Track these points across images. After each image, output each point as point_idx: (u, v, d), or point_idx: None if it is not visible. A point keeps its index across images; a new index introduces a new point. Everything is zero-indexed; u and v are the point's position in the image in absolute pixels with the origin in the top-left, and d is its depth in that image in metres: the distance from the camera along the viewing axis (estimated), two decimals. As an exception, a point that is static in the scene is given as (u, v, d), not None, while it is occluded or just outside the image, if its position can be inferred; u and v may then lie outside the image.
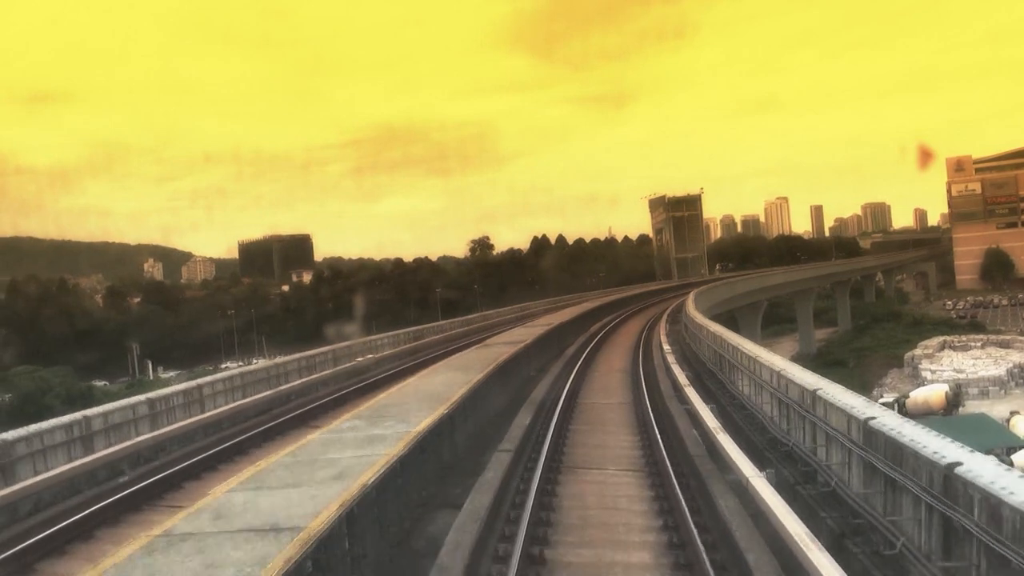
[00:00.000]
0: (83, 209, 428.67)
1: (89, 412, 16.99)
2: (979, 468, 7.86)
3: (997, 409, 56.78)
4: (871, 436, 10.17)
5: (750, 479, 11.64)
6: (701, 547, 9.52)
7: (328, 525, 8.43)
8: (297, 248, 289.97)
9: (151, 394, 19.74)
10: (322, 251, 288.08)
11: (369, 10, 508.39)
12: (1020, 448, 40.07)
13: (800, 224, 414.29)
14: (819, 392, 13.08)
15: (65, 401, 76.11)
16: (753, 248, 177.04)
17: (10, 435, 14.41)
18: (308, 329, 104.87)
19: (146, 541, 8.31)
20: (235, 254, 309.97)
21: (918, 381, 69.90)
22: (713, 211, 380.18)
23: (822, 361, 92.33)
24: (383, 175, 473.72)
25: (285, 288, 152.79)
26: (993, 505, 7.27)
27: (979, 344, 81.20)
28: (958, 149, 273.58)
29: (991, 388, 67.59)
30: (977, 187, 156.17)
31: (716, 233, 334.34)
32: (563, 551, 10.37)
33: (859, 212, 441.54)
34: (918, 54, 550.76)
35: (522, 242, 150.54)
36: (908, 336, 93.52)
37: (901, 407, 57.50)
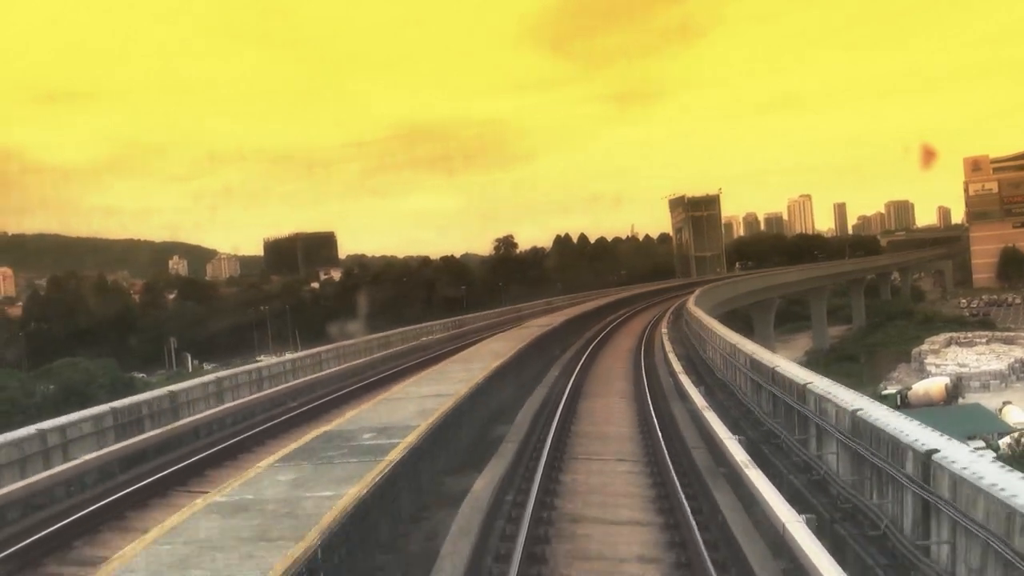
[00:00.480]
0: (107, 207, 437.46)
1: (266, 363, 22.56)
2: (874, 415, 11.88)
3: (996, 401, 60.72)
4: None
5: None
6: None
7: (467, 392, 17.16)
8: (321, 246, 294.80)
9: (296, 354, 29.52)
10: (345, 248, 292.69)
11: (391, 7, 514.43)
12: (1008, 434, 44.59)
13: (823, 222, 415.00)
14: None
15: (109, 391, 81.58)
16: (772, 246, 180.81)
17: (175, 387, 21.63)
18: (340, 322, 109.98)
19: (374, 402, 16.85)
20: (258, 251, 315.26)
21: (923, 375, 74.04)
22: (736, 209, 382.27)
23: (834, 356, 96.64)
24: (404, 173, 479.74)
25: (315, 284, 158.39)
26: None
27: (984, 340, 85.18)
28: (982, 147, 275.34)
29: (992, 381, 71.69)
30: (994, 187, 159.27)
31: (739, 231, 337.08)
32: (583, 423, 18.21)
33: (882, 210, 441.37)
34: (943, 50, 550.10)
35: (545, 239, 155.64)
36: (919, 333, 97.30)
37: (903, 399, 62.14)
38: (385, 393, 19.44)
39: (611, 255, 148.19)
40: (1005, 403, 56.72)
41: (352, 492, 9.54)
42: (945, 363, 76.65)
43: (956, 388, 62.98)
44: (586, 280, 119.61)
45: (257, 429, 19.72)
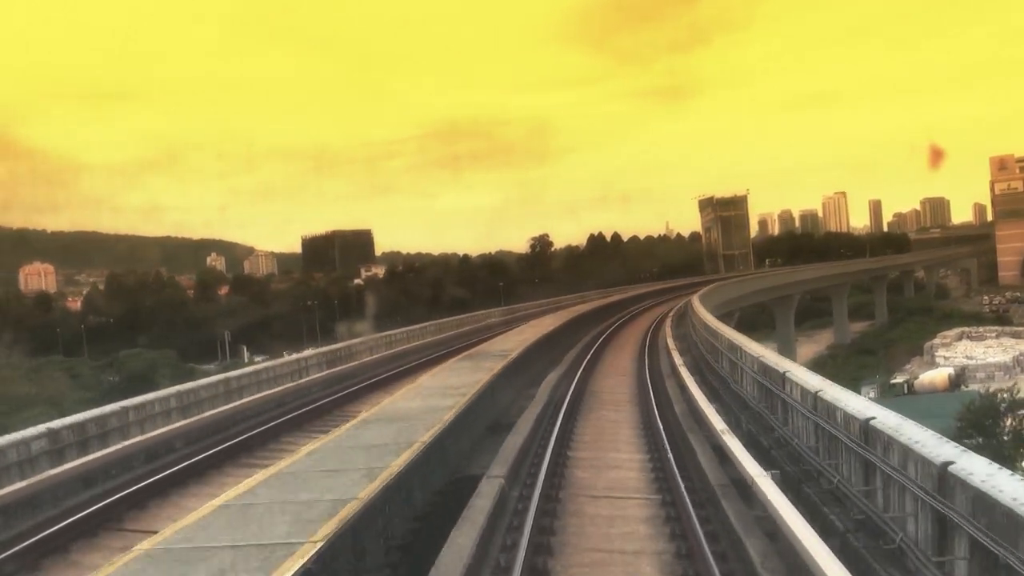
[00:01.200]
0: (146, 205, 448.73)
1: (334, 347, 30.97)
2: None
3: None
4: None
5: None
6: None
7: (544, 335, 32.70)
8: (358, 243, 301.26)
9: (360, 339, 34.99)
10: (381, 245, 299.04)
11: (430, 6, 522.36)
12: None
13: (859, 219, 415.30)
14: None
15: (172, 380, 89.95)
16: (801, 244, 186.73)
17: (236, 372, 25.82)
18: (384, 316, 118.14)
19: (490, 342, 28.79)
20: (293, 248, 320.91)
21: (934, 367, 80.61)
22: (771, 206, 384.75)
23: (854, 350, 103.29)
24: (441, 170, 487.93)
25: (358, 281, 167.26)
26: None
27: (994, 335, 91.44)
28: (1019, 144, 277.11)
29: (997, 373, 77.99)
30: (1019, 185, 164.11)
31: (774, 228, 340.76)
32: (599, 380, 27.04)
33: (918, 207, 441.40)
34: (981, 45, 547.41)
35: (581, 234, 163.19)
36: (938, 328, 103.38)
37: (910, 387, 69.30)
38: (492, 339, 34.35)
39: (642, 253, 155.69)
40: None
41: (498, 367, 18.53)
42: (954, 356, 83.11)
43: (959, 378, 69.57)
44: (618, 276, 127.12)
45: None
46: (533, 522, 10.82)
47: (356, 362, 32.20)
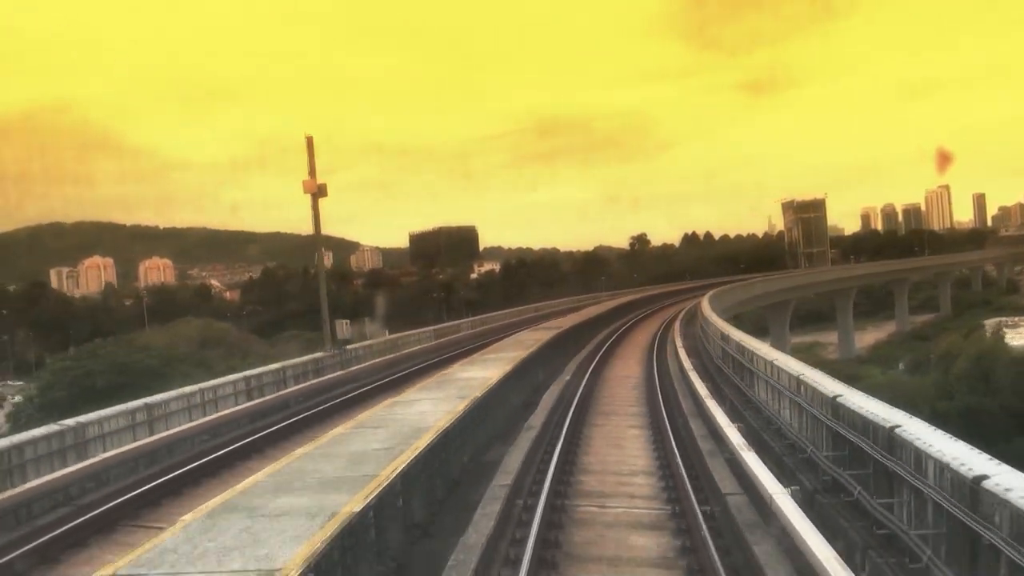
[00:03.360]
0: (254, 201, 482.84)
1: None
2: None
3: None
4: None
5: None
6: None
7: (600, 312, 47.26)
8: (463, 239, 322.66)
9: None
10: (483, 241, 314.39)
11: (522, 2, 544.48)
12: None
13: (963, 212, 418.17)
14: None
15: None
16: (885, 242, 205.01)
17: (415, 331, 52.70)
18: (506, 300, 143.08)
19: (602, 306, 53.34)
20: (397, 243, 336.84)
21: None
22: (875, 199, 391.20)
23: (912, 337, 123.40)
24: (539, 165, 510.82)
25: (473, 275, 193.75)
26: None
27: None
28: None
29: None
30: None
31: (877, 223, 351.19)
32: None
33: (1022, 200, 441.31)
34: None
35: (682, 227, 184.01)
36: (987, 319, 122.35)
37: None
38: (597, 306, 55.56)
39: (732, 250, 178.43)
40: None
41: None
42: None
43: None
44: (709, 271, 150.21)
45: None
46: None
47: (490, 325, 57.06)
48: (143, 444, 20.00)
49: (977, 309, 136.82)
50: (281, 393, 28.71)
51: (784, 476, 14.06)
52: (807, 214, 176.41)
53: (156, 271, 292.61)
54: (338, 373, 34.65)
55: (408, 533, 12.43)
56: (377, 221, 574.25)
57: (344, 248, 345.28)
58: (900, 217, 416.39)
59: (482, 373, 24.16)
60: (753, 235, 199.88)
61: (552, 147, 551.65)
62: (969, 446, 8.87)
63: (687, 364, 30.47)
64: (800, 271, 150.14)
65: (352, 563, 9.62)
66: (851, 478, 11.66)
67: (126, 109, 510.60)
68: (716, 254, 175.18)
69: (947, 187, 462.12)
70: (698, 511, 13.23)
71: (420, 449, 13.65)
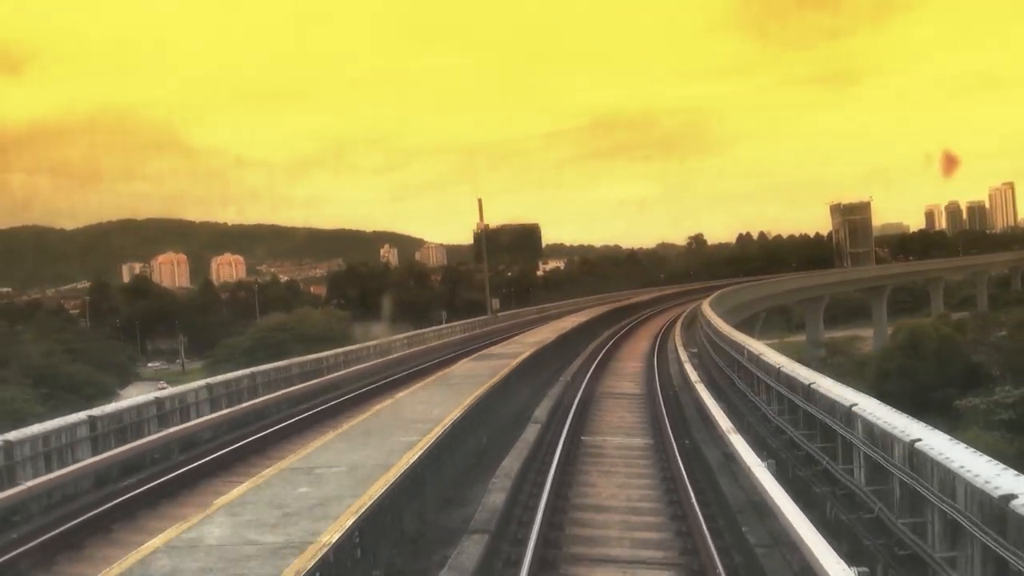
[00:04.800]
0: (318, 199, 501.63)
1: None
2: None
3: None
4: None
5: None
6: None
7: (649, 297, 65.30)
8: (526, 236, 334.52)
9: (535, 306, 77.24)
10: (545, 238, 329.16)
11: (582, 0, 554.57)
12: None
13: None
14: None
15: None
16: (932, 241, 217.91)
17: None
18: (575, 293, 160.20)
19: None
20: (460, 240, 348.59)
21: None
22: (937, 198, 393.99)
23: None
24: (601, 162, 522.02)
25: (540, 272, 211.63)
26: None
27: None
28: None
29: None
30: None
31: (941, 222, 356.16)
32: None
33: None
34: None
35: (746, 225, 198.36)
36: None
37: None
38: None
39: (782, 249, 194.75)
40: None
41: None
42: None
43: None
44: (760, 269, 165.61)
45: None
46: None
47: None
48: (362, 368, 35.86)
49: (1013, 306, 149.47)
50: (464, 335, 53.34)
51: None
52: (853, 216, 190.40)
53: (228, 266, 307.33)
54: (495, 326, 62.21)
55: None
56: (441, 218, 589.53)
57: (409, 245, 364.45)
58: (964, 215, 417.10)
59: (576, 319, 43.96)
60: (805, 235, 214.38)
61: (613, 144, 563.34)
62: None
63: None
64: (836, 270, 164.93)
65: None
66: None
67: (192, 109, 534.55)
68: (765, 253, 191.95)
69: (1011, 184, 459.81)
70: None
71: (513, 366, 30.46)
